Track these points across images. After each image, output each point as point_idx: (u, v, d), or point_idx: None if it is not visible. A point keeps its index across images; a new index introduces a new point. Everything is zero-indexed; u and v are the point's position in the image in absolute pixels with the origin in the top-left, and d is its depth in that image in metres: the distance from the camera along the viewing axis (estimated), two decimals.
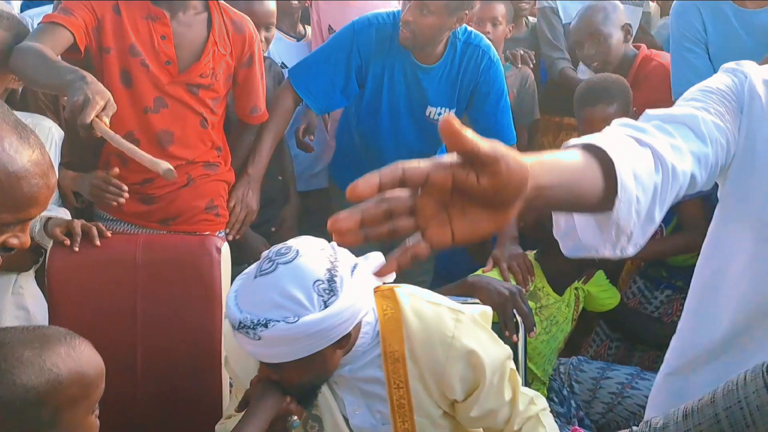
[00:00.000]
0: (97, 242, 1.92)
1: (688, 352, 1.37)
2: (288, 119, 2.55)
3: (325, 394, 1.58)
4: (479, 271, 2.27)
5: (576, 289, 2.40)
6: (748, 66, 1.26)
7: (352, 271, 1.48)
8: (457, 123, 0.75)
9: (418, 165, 0.78)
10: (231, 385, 1.90)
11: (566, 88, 3.20)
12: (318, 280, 1.41)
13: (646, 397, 2.23)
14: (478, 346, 1.54)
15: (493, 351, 1.58)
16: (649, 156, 1.02)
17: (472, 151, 0.76)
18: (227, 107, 2.39)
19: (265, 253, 1.50)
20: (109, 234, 1.97)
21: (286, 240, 2.80)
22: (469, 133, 0.76)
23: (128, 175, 2.18)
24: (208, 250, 1.95)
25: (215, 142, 2.31)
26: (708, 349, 1.31)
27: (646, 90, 2.69)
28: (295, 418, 1.53)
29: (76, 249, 1.91)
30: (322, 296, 1.40)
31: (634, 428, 1.03)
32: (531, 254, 2.36)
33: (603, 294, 2.48)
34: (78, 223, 1.94)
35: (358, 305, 1.45)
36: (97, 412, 1.22)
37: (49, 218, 1.99)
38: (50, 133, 2.09)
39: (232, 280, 2.15)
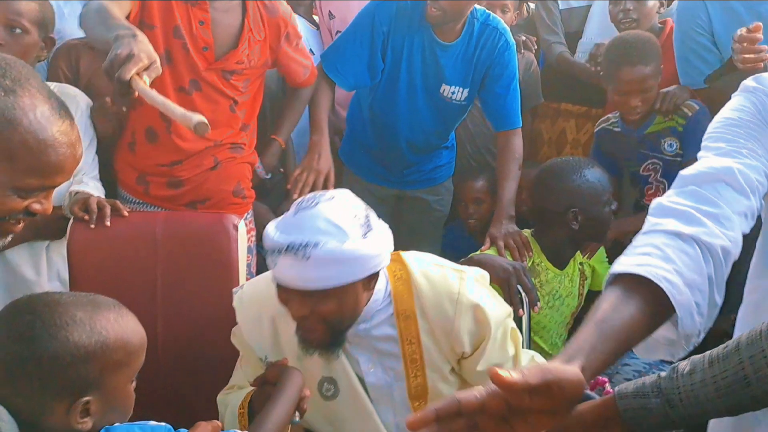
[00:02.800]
0: (107, 222, 1.93)
1: None
2: (331, 95, 2.60)
3: (339, 356, 1.62)
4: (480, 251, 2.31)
5: (581, 264, 2.43)
6: (766, 81, 1.24)
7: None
8: (506, 375, 0.81)
9: (474, 395, 0.84)
10: None
11: (563, 72, 3.21)
12: (356, 215, 1.51)
13: None
14: (482, 301, 1.63)
15: (496, 306, 1.66)
16: (695, 252, 1.03)
17: (526, 390, 0.82)
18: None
19: (301, 198, 1.58)
20: (125, 213, 1.98)
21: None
22: (519, 377, 0.82)
23: (157, 155, 2.19)
24: (226, 228, 1.98)
25: (243, 123, 2.32)
26: None
27: (672, 59, 2.68)
28: (297, 414, 1.54)
29: (92, 226, 1.92)
30: (362, 228, 1.50)
31: (662, 373, 1.05)
32: (528, 232, 2.40)
33: (605, 272, 2.50)
34: (94, 200, 1.96)
35: (387, 246, 1.55)
36: (134, 383, 1.26)
37: (76, 192, 2.01)
38: (75, 100, 2.13)
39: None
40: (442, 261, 1.73)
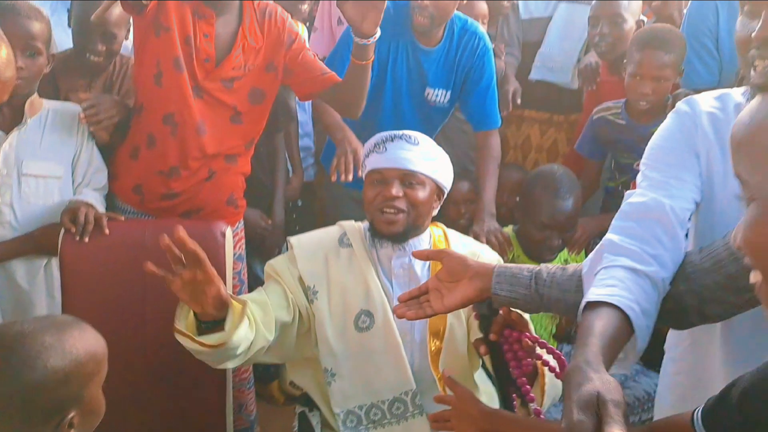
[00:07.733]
0: (86, 238, 1.89)
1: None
2: None
3: (380, 289, 1.80)
4: None
5: (565, 261, 2.41)
6: (695, 105, 1.31)
7: None
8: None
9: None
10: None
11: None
12: None
13: (645, 391, 2.27)
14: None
15: None
16: (648, 285, 1.18)
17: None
18: None
19: None
20: (106, 231, 1.93)
21: (274, 241, 2.80)
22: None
23: (155, 161, 2.11)
24: (214, 235, 1.94)
25: (246, 137, 2.22)
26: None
27: None
28: None
29: (78, 238, 1.89)
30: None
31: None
32: (509, 228, 2.42)
33: None
34: (83, 212, 1.92)
35: (451, 179, 1.91)
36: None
37: (72, 201, 1.97)
38: (79, 117, 2.09)
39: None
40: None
